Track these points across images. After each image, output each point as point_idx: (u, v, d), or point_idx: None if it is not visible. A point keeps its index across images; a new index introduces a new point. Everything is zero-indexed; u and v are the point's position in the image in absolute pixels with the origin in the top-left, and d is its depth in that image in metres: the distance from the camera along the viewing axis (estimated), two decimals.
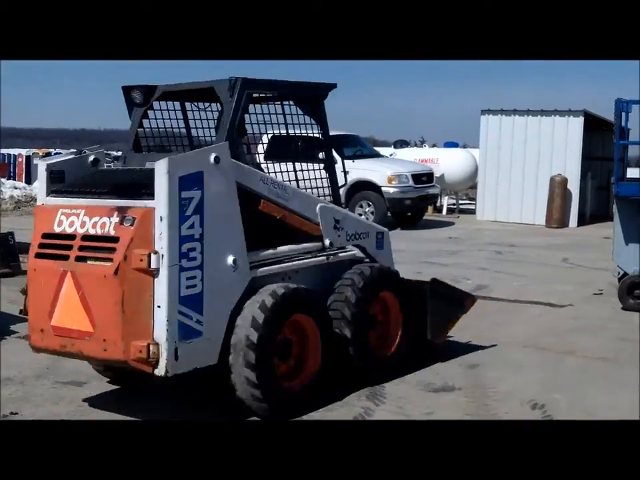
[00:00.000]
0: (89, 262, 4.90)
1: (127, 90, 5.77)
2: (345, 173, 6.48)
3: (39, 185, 5.41)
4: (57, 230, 5.07)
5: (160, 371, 4.76)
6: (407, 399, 5.70)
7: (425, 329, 6.47)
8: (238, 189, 5.18)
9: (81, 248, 4.93)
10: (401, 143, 23.02)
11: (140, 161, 5.58)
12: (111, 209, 4.90)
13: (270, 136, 6.36)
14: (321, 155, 6.40)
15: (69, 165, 5.44)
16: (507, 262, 12.36)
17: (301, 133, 6.21)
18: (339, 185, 6.36)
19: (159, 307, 4.74)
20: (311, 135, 6.25)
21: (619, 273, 8.84)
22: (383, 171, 16.42)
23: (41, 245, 5.14)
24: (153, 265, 4.71)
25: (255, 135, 5.91)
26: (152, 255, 4.70)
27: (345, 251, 6.24)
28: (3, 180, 22.12)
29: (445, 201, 20.81)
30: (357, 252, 6.37)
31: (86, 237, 4.93)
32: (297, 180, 6.05)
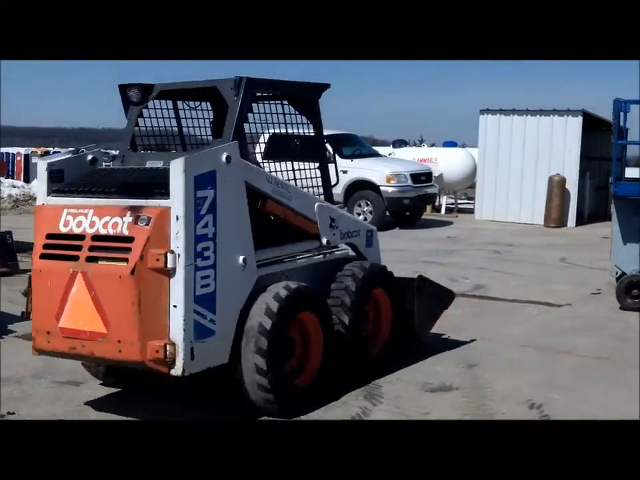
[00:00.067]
0: (100, 262, 4.85)
1: (124, 88, 5.76)
2: (337, 172, 6.53)
3: (39, 184, 5.36)
4: (63, 230, 5.01)
5: (176, 370, 4.75)
6: (404, 398, 5.71)
7: (413, 326, 6.58)
8: (245, 188, 5.20)
9: (91, 248, 4.88)
10: (400, 143, 23.02)
11: (139, 160, 5.57)
12: (122, 208, 4.86)
13: (269, 135, 6.37)
14: (320, 154, 6.44)
15: (68, 163, 5.41)
16: (505, 261, 12.36)
17: (297, 133, 6.24)
18: (332, 183, 6.42)
19: (175, 306, 4.73)
20: (308, 134, 6.28)
21: (616, 273, 8.85)
22: (382, 170, 16.42)
23: (46, 246, 5.06)
24: (170, 265, 4.69)
25: (253, 134, 5.91)
26: (168, 254, 4.69)
27: (340, 250, 6.36)
28: (1, 179, 22.10)
29: (444, 201, 20.81)
30: (349, 250, 6.48)
31: (96, 237, 4.88)
32: (295, 179, 6.08)
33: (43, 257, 5.06)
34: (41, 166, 5.34)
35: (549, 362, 6.70)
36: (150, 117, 6.03)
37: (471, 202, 22.13)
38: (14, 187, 22.64)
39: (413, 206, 16.94)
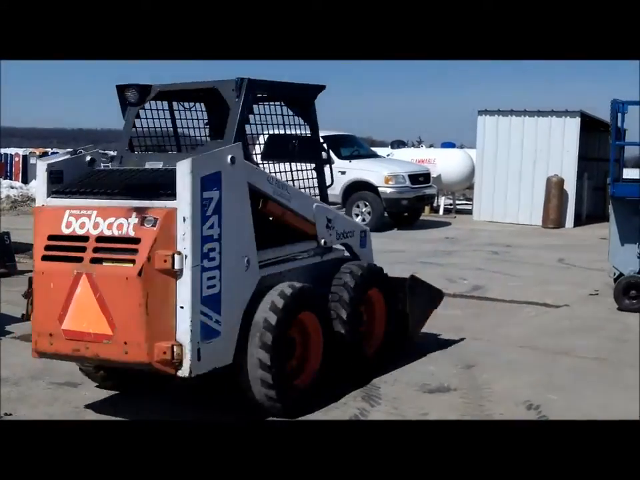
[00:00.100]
0: (104, 264, 4.83)
1: (121, 89, 5.75)
2: (332, 173, 6.57)
3: (38, 185, 5.31)
4: (66, 231, 4.97)
5: (183, 372, 4.75)
6: (403, 399, 5.70)
7: (407, 326, 6.62)
8: (248, 189, 5.21)
9: (96, 249, 4.85)
10: (398, 144, 23.00)
11: (138, 161, 5.56)
12: (127, 209, 4.84)
13: (267, 136, 6.37)
14: (315, 155, 6.46)
15: (67, 164, 5.39)
16: (503, 262, 12.36)
17: (295, 133, 6.26)
18: (327, 184, 6.45)
19: (181, 307, 4.73)
20: (305, 134, 6.31)
21: (614, 274, 8.84)
22: (380, 171, 16.42)
23: (48, 247, 5.02)
24: (177, 266, 4.69)
25: (252, 135, 5.92)
26: (175, 255, 4.68)
27: (336, 250, 6.40)
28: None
29: (442, 201, 20.80)
30: (344, 251, 6.52)
31: (101, 238, 4.86)
32: (292, 180, 6.10)
33: (44, 258, 5.02)
34: (41, 167, 5.29)
35: (547, 363, 6.70)
36: (147, 118, 6.02)
37: (469, 203, 22.14)
38: (12, 187, 22.59)
39: (411, 207, 16.94)
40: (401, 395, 5.79)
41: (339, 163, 15.91)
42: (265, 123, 6.02)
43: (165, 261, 4.67)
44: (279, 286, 5.29)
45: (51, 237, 5.04)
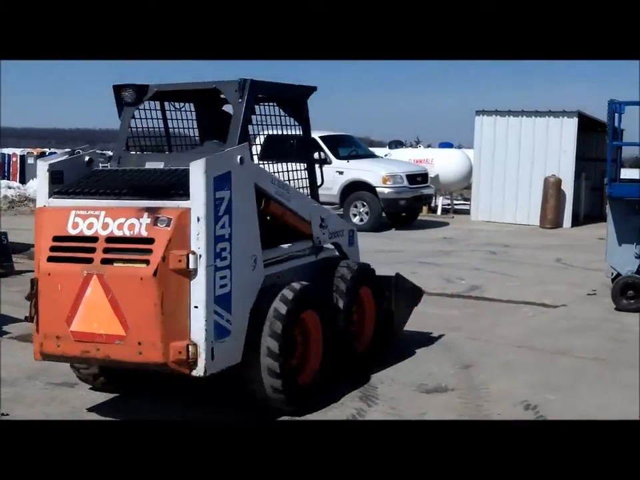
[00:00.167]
0: (115, 264, 4.78)
1: (118, 89, 5.73)
2: (322, 173, 6.63)
3: (39, 186, 5.24)
4: (73, 232, 4.90)
5: (198, 371, 4.75)
6: (400, 399, 5.71)
7: (392, 324, 6.71)
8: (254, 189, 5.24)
9: (106, 250, 4.81)
10: (396, 144, 23.02)
11: (137, 161, 5.55)
12: (138, 209, 4.80)
13: (265, 136, 6.40)
14: (314, 155, 6.51)
15: (67, 165, 5.35)
16: (500, 262, 12.37)
17: (290, 134, 6.30)
18: (317, 184, 6.51)
19: (195, 307, 4.73)
20: (298, 135, 6.36)
21: (612, 274, 8.85)
22: (378, 171, 16.43)
23: (54, 248, 4.94)
24: (191, 266, 4.68)
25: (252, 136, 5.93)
26: (190, 255, 4.68)
27: (327, 249, 6.47)
28: None
29: (440, 202, 20.82)
30: (335, 250, 6.60)
31: (111, 239, 4.81)
32: (289, 180, 6.14)
33: (50, 259, 4.93)
34: (41, 167, 5.23)
35: (545, 363, 6.71)
36: (144, 118, 6.02)
37: (466, 203, 22.14)
38: (10, 187, 22.58)
39: (409, 207, 16.94)
40: (399, 395, 5.80)
41: (336, 163, 15.93)
42: (260, 123, 6.04)
43: (180, 261, 4.67)
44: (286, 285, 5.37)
45: (56, 238, 4.95)
